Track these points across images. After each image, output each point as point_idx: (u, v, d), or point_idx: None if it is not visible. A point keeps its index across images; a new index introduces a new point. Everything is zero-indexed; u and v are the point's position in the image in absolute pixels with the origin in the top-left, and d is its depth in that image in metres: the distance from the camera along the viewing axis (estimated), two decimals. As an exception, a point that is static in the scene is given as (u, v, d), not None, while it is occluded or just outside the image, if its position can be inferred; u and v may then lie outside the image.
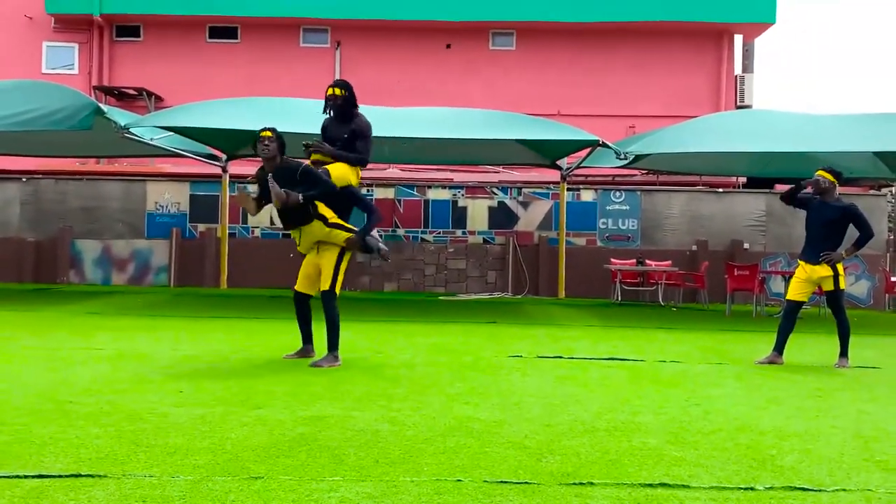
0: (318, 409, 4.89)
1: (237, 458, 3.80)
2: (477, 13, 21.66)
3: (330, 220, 6.56)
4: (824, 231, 7.48)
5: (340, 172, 6.77)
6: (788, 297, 7.75)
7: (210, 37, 22.46)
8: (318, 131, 7.23)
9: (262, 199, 6.65)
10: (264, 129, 6.50)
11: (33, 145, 14.86)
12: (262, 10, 21.59)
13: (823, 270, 7.42)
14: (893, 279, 15.82)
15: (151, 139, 13.36)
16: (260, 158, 6.59)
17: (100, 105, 11.83)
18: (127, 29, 22.46)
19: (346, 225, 6.69)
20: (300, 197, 6.29)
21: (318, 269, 6.70)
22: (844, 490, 3.57)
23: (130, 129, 12.22)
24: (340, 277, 6.68)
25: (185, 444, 4.03)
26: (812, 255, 7.50)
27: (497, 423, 4.65)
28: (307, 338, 6.97)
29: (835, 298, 7.56)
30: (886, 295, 16.13)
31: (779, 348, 7.49)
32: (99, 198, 16.56)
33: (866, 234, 7.44)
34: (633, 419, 4.87)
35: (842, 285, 7.51)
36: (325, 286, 6.62)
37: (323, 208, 6.54)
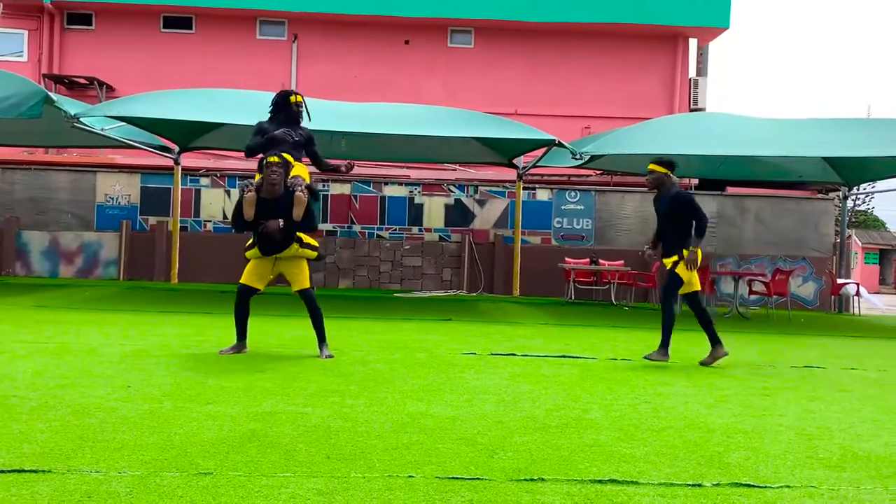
0: (269, 405, 4.85)
1: (186, 454, 3.75)
2: (436, 10, 21.66)
3: (304, 241, 6.88)
4: (665, 223, 7.41)
5: (304, 174, 7.10)
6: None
7: (164, 27, 22.10)
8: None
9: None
10: (272, 155, 6.66)
11: (-21, 133, 14.49)
12: (218, 0, 21.31)
13: (669, 263, 7.42)
14: (839, 281, 16.21)
15: (102, 129, 13.09)
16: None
17: (49, 93, 11.56)
18: (78, 17, 21.99)
19: (314, 243, 7.01)
20: (280, 223, 6.60)
21: (277, 272, 6.96)
22: (789, 487, 3.64)
23: (81, 119, 11.96)
24: None
25: (133, 439, 3.97)
26: (663, 249, 7.47)
27: (449, 420, 4.65)
28: (243, 334, 6.98)
29: (671, 283, 7.40)
30: (832, 297, 16.52)
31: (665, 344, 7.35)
32: (47, 188, 16.20)
33: (699, 223, 7.24)
34: (585, 416, 4.91)
35: (683, 276, 7.32)
36: (307, 284, 6.94)
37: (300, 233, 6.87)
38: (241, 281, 6.93)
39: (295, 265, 6.92)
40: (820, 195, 17.80)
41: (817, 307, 16.62)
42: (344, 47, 22.04)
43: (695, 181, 19.07)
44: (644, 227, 16.68)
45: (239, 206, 6.72)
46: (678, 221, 7.37)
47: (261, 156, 6.91)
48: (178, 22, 22.11)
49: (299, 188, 6.66)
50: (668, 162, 7.53)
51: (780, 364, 7.73)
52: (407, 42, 22.32)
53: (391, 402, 5.08)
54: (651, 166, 7.54)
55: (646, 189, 17.39)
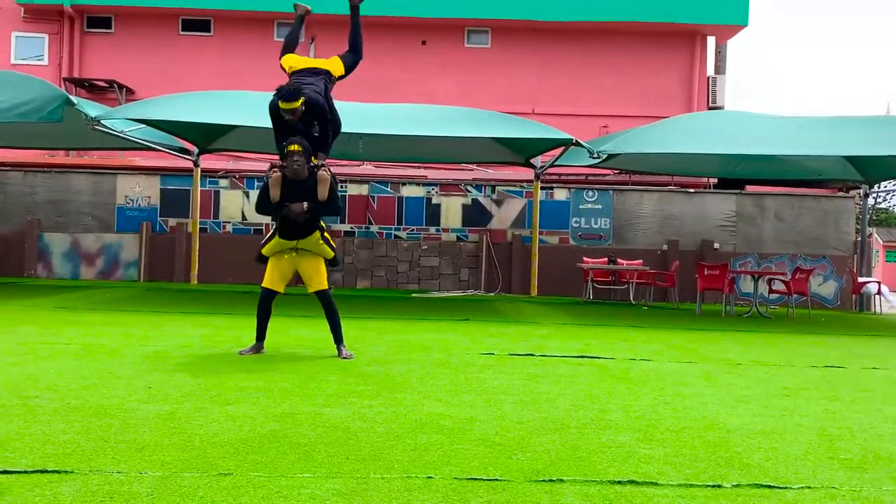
0: (288, 406, 4.87)
1: (206, 455, 3.78)
2: (453, 10, 21.65)
3: (324, 234, 6.90)
4: None
5: (338, 67, 7.32)
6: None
7: (182, 29, 22.24)
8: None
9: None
10: (292, 143, 6.63)
11: (1, 136, 14.64)
12: (235, 3, 21.43)
13: None
14: (860, 280, 16.07)
15: (122, 131, 13.20)
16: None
17: (70, 96, 11.67)
18: (98, 20, 22.17)
19: (332, 242, 7.03)
20: (305, 206, 6.61)
21: (294, 271, 6.97)
22: (809, 488, 3.62)
23: (101, 122, 12.07)
24: None
25: (154, 440, 4.00)
26: None
27: (468, 421, 4.66)
28: (263, 335, 7.02)
29: None
30: (853, 295, 16.38)
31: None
32: (68, 191, 16.36)
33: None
34: (603, 417, 4.90)
35: None
36: (324, 285, 6.97)
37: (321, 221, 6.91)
38: (263, 284, 6.96)
39: (312, 265, 6.94)
40: (840, 193, 17.65)
41: (838, 306, 16.48)
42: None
43: (714, 180, 18.99)
44: (663, 226, 16.62)
45: (265, 189, 6.77)
46: None
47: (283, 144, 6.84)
48: (197, 24, 22.25)
49: (323, 167, 6.70)
50: None
51: (801, 364, 7.68)
52: (424, 43, 22.34)
53: (410, 403, 5.09)
54: None
55: (664, 188, 17.43)
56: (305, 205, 6.63)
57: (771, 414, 5.19)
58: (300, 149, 6.62)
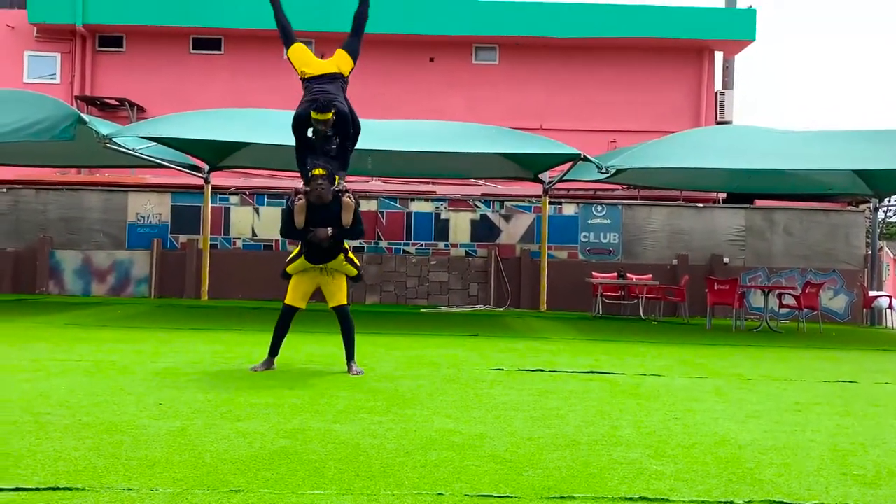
0: (298, 422, 4.88)
1: (217, 471, 3.79)
2: (460, 28, 21.76)
3: (348, 255, 7.01)
4: None
5: (347, 65, 7.40)
6: None
7: (193, 48, 22.42)
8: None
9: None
10: (316, 167, 6.70)
11: (13, 155, 14.74)
12: (245, 22, 21.57)
13: None
14: (871, 294, 15.99)
15: (133, 149, 13.29)
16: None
17: (82, 115, 11.76)
18: (110, 39, 22.37)
19: (356, 261, 7.14)
20: (329, 231, 6.70)
21: (316, 287, 7.05)
22: (822, 504, 3.60)
23: (113, 139, 12.15)
24: None
25: (165, 456, 4.01)
26: None
27: (478, 437, 4.65)
28: (276, 351, 7.08)
29: None
30: (864, 310, 16.30)
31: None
32: (80, 208, 16.45)
33: None
34: (614, 433, 4.89)
35: None
36: (344, 300, 7.09)
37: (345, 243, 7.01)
38: (286, 301, 7.02)
39: (335, 282, 7.02)
40: (850, 207, 17.59)
41: (849, 320, 16.39)
42: (369, 65, 22.12)
43: (722, 195, 18.96)
44: (672, 241, 16.59)
45: (289, 214, 6.82)
46: None
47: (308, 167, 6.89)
48: (207, 43, 22.42)
49: (347, 193, 6.75)
50: None
51: (812, 379, 7.64)
52: (432, 60, 22.45)
53: (419, 419, 5.09)
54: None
55: (673, 202, 17.41)
56: (330, 230, 6.70)
57: (783, 429, 5.17)
58: (325, 172, 6.67)
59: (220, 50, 22.44)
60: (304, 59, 7.39)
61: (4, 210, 16.40)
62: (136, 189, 17.03)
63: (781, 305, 14.86)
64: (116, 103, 21.56)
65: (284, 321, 7.01)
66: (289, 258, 7.08)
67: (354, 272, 7.08)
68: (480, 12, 21.93)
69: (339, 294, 7.03)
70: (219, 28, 21.91)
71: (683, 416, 5.52)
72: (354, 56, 7.55)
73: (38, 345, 8.36)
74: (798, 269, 16.39)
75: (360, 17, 7.74)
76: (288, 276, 7.07)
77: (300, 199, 6.73)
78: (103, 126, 12.44)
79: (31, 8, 21.66)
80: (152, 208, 16.49)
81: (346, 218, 6.75)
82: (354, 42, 7.63)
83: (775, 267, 16.47)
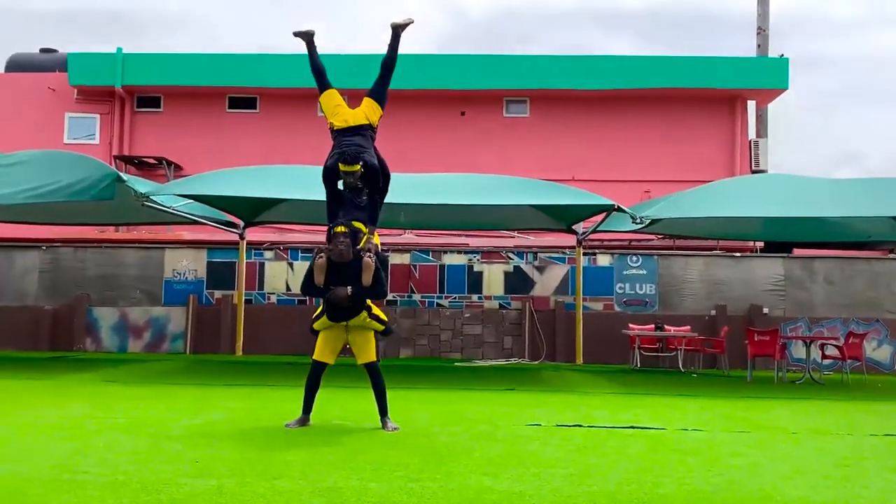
0: (334, 480, 4.82)
1: (252, 532, 3.73)
2: (491, 82, 21.99)
3: (372, 311, 6.96)
4: None
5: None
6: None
7: (229, 107, 22.89)
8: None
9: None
10: (338, 225, 6.75)
11: (53, 214, 15.06)
12: (280, 81, 22.00)
13: None
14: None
15: (171, 207, 13.50)
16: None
17: (120, 174, 12.00)
18: (147, 100, 22.93)
19: (382, 316, 7.09)
20: (348, 290, 6.66)
21: (345, 343, 7.01)
22: (878, 565, 3.45)
23: (150, 198, 12.36)
24: None
25: (200, 516, 3.97)
26: None
27: (516, 495, 4.56)
28: (309, 407, 7.04)
29: None
30: (910, 360, 15.89)
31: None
32: (117, 265, 16.69)
33: None
34: (656, 490, 4.76)
35: None
36: (373, 357, 7.02)
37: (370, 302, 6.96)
38: (314, 357, 7.00)
39: (361, 337, 6.98)
40: (891, 254, 17.29)
41: (894, 371, 15.98)
42: (402, 121, 22.41)
43: (760, 244, 18.74)
44: (710, 291, 16.38)
45: (310, 272, 6.84)
46: None
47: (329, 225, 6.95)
48: (243, 102, 22.88)
49: (368, 254, 6.74)
50: None
51: (859, 432, 7.42)
52: (463, 114, 22.67)
53: (456, 477, 5.01)
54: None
55: (710, 252, 17.23)
56: (349, 289, 6.69)
57: (831, 485, 5.01)
58: (346, 230, 6.70)
59: (255, 108, 22.88)
60: (333, 109, 7.46)
61: (44, 268, 16.69)
62: (173, 246, 17.27)
63: (824, 356, 14.53)
64: (154, 162, 21.99)
65: (314, 377, 6.98)
66: (315, 314, 7.08)
67: (381, 328, 7.05)
68: (511, 66, 22.18)
69: (367, 350, 6.98)
70: (254, 87, 22.37)
71: (726, 471, 5.37)
72: (382, 103, 7.62)
73: (74, 402, 8.41)
74: (840, 319, 16.07)
75: (389, 64, 7.81)
76: (316, 332, 7.05)
77: (321, 257, 6.76)
78: (141, 185, 12.67)
79: (71, 71, 22.31)
80: (188, 265, 16.68)
81: (367, 278, 6.71)
82: (382, 88, 7.70)
83: (816, 317, 16.16)
